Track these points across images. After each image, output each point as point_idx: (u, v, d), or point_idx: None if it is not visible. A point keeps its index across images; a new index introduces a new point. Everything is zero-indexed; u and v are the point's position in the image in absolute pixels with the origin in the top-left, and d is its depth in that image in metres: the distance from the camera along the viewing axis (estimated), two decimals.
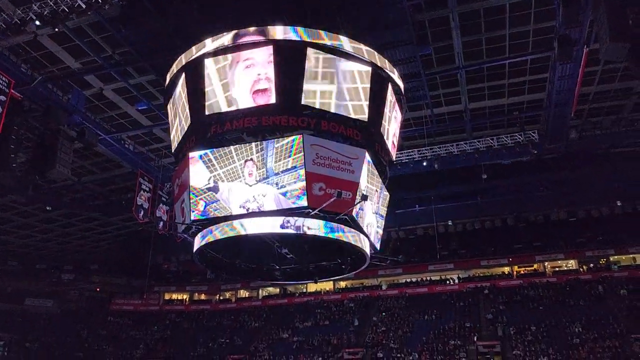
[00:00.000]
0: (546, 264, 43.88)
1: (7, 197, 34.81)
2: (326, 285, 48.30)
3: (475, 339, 35.21)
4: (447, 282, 45.12)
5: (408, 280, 46.91)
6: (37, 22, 16.94)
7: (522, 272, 44.65)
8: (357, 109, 15.99)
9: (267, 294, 51.49)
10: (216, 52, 15.81)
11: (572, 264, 43.61)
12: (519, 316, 37.27)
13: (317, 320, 43.89)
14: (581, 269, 42.20)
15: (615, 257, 41.73)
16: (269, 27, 15.74)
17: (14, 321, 46.00)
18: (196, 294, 53.77)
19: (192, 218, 15.68)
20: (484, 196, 39.31)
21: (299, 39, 15.44)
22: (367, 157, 15.81)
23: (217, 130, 15.87)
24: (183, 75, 16.83)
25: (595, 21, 16.31)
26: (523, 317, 36.90)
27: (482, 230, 46.49)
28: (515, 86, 25.88)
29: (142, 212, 26.72)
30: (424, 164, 29.33)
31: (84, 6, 16.49)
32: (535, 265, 44.52)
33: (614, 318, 33.89)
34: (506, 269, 44.90)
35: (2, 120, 18.36)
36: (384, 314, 42.35)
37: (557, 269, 43.88)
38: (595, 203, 42.19)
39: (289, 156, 14.76)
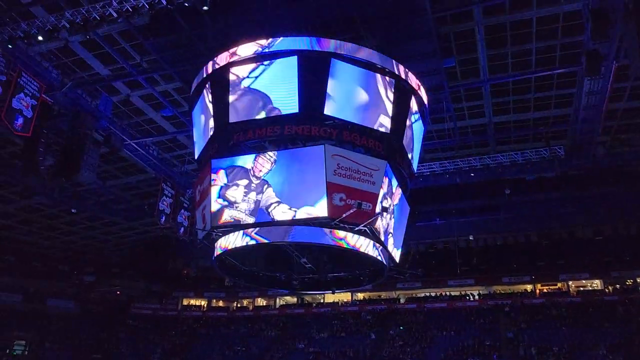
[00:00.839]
0: (570, 282, 42.93)
1: (33, 199, 35.58)
2: (344, 297, 48.04)
3: (495, 358, 34.52)
4: (467, 298, 44.42)
5: (427, 294, 46.35)
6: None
7: (545, 290, 43.74)
8: (380, 120, 15.97)
9: (284, 303, 51.44)
10: (241, 61, 15.99)
11: (597, 283, 42.56)
12: (541, 336, 36.42)
13: (333, 331, 43.61)
14: (607, 289, 41.14)
15: None
16: (293, 37, 15.88)
17: (35, 321, 46.78)
18: (214, 301, 54.01)
19: (213, 225, 15.79)
20: (507, 211, 38.64)
21: (323, 50, 15.52)
22: (388, 168, 15.74)
23: (240, 139, 16.01)
24: (208, 83, 17.06)
25: (625, 36, 16.04)
26: (545, 337, 36.05)
27: (504, 246, 45.72)
28: (541, 100, 25.50)
29: (163, 218, 27.00)
30: (446, 177, 29.04)
31: (114, 15, 16.87)
32: (559, 284, 43.58)
33: None
34: (528, 287, 44.04)
35: (32, 123, 18.86)
36: (401, 327, 41.87)
37: (581, 288, 42.86)
38: (623, 222, 41.14)
39: (310, 166, 14.78)
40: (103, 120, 23.66)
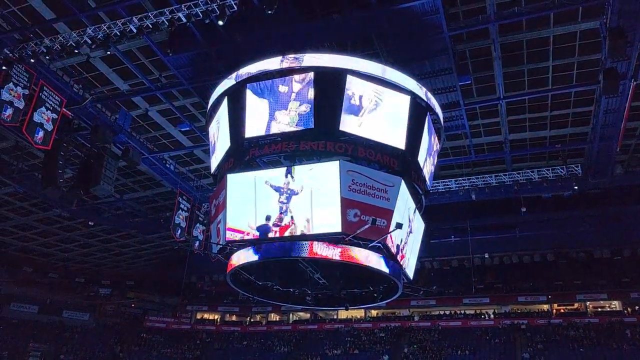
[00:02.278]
0: (588, 303, 42.11)
1: (52, 211, 36.11)
2: (357, 313, 47.65)
3: None
4: (482, 316, 43.76)
5: (441, 312, 45.78)
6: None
7: (562, 310, 42.93)
8: (395, 136, 16.01)
9: (297, 319, 51.17)
10: (258, 77, 16.22)
11: (615, 304, 41.69)
12: (557, 357, 35.69)
13: (346, 348, 43.18)
14: (626, 311, 40.23)
15: None
16: (309, 54, 16.08)
17: (51, 333, 47.16)
18: (227, 315, 53.95)
19: (227, 239, 15.87)
20: (523, 230, 38.21)
21: (339, 67, 15.67)
22: (404, 185, 15.72)
23: (256, 154, 16.16)
24: (225, 98, 17.29)
25: None
26: (562, 359, 35.31)
27: (520, 264, 45.06)
28: (558, 118, 25.31)
29: (179, 231, 27.22)
30: (461, 194, 28.87)
31: (135, 31, 17.22)
32: (576, 304, 42.76)
33: None
34: (545, 307, 43.27)
35: (52, 137, 19.27)
36: (415, 346, 41.33)
37: (599, 309, 42.01)
38: None
39: (325, 181, 14.82)
40: (122, 134, 24.07)
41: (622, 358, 33.78)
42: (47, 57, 18.96)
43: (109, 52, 18.56)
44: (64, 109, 19.98)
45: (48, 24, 19.03)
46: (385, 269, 16.04)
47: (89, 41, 17.68)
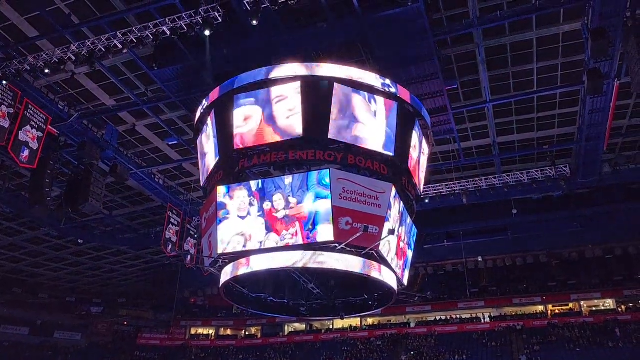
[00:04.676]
0: (582, 303, 42.28)
1: (40, 230, 35.68)
2: (353, 322, 47.43)
3: None
4: (478, 320, 43.74)
5: (437, 317, 45.70)
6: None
7: (556, 311, 43.05)
8: (384, 143, 16.00)
9: (293, 330, 50.82)
10: (245, 88, 16.16)
11: (609, 303, 41.89)
12: (554, 358, 35.71)
13: (343, 358, 42.91)
14: (619, 309, 40.43)
15: None
16: (296, 63, 16.06)
17: (43, 354, 46.38)
18: (222, 329, 53.44)
19: (219, 252, 15.71)
20: (515, 232, 38.35)
21: (326, 75, 15.68)
22: (394, 191, 15.69)
23: (245, 165, 16.06)
24: (212, 111, 17.20)
25: (625, 54, 16.13)
26: (559, 359, 35.34)
27: (514, 267, 45.20)
28: (545, 120, 25.53)
29: (170, 246, 26.96)
30: (452, 198, 28.94)
31: (119, 46, 17.14)
32: (571, 304, 42.92)
33: None
34: (540, 308, 43.36)
35: (38, 155, 19.03)
36: (412, 352, 41.17)
37: (593, 308, 42.18)
38: (632, 240, 40.60)
39: (314, 190, 14.74)
40: (109, 150, 23.89)
41: (618, 356, 33.85)
42: (32, 75, 18.80)
43: (94, 68, 18.40)
44: (49, 127, 19.75)
45: (31, 41, 18.88)
46: (380, 276, 15.96)
47: (73, 57, 17.56)
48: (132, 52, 18.69)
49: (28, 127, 18.49)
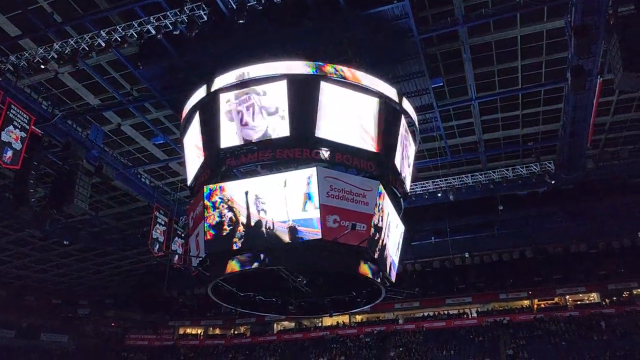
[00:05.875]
0: (567, 297, 42.78)
1: (25, 231, 35.23)
2: (342, 319, 47.55)
3: None
4: (466, 316, 44.10)
5: (425, 314, 45.99)
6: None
7: (542, 305, 43.54)
8: (371, 141, 16.03)
9: (282, 328, 50.81)
10: (230, 87, 16.08)
11: (594, 297, 42.45)
12: (541, 351, 36.14)
13: (332, 355, 43.01)
14: (604, 302, 41.01)
15: (639, 289, 40.56)
16: (282, 61, 16.02)
17: (29, 357, 45.83)
18: (211, 329, 53.25)
19: (206, 252, 15.64)
20: (501, 227, 38.72)
21: (312, 73, 15.66)
22: (381, 188, 15.74)
23: (232, 164, 15.98)
24: (198, 110, 17.10)
25: (608, 51, 16.34)
26: (545, 353, 35.79)
27: (500, 262, 45.56)
28: (530, 117, 25.81)
29: (157, 246, 26.83)
30: (439, 195, 29.15)
31: (103, 45, 17.00)
32: (556, 299, 43.40)
33: (639, 353, 32.69)
34: (526, 303, 43.82)
35: (21, 155, 18.81)
36: (401, 349, 41.38)
37: (578, 302, 42.73)
38: (616, 234, 41.17)
39: (301, 189, 14.75)
40: (94, 150, 23.67)
41: (603, 349, 34.35)
42: (14, 74, 18.56)
43: (77, 67, 18.22)
44: (33, 127, 19.53)
45: (13, 40, 18.63)
46: (370, 274, 16.01)
47: (56, 56, 17.38)
48: (117, 51, 18.54)
49: (11, 128, 18.27)
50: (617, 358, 32.90)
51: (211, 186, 15.84)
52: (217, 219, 15.55)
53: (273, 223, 14.86)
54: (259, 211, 15.08)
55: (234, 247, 15.22)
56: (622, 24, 14.33)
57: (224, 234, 15.34)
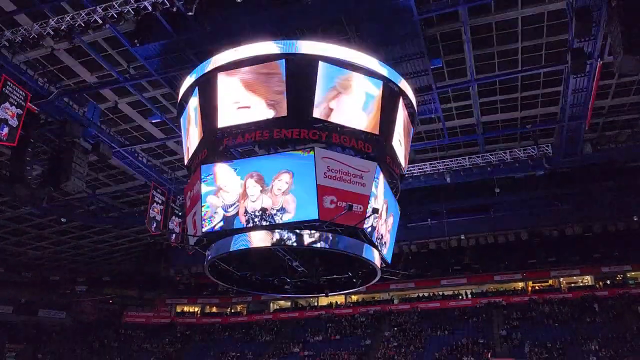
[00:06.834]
0: (561, 279, 43.26)
1: (22, 209, 35.25)
2: (338, 299, 48.02)
3: (489, 356, 34.65)
4: (460, 297, 44.57)
5: (420, 294, 46.47)
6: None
7: (536, 287, 44.01)
8: (369, 122, 15.99)
9: (278, 307, 51.33)
10: (228, 66, 15.95)
11: (587, 279, 42.94)
12: (533, 333, 36.66)
13: (328, 334, 43.56)
14: (597, 285, 41.48)
15: (632, 273, 40.98)
16: (280, 41, 15.87)
17: (27, 332, 46.32)
18: (207, 307, 53.77)
19: (203, 230, 15.70)
20: (497, 210, 38.86)
21: (310, 53, 15.53)
22: (379, 170, 15.76)
23: (229, 143, 15.94)
24: (196, 88, 16.99)
25: (608, 34, 16.23)
26: (538, 334, 36.30)
27: (496, 244, 45.71)
28: (529, 99, 25.71)
29: (154, 225, 26.88)
30: (436, 177, 29.16)
31: (100, 21, 16.80)
32: (550, 281, 43.90)
33: (631, 336, 33.17)
34: (520, 285, 44.28)
35: (18, 133, 18.72)
36: (395, 329, 41.91)
37: (572, 284, 43.21)
38: (611, 218, 41.22)
39: (299, 169, 14.75)
40: (91, 128, 23.55)
41: (596, 331, 34.85)
42: (10, 51, 18.36)
43: (73, 44, 18.02)
44: (29, 104, 19.39)
45: (8, 15, 18.39)
46: (364, 255, 16.11)
47: (52, 33, 17.16)
48: (113, 27, 18.30)
49: (7, 104, 18.13)
50: (609, 340, 33.38)
51: (208, 165, 15.84)
52: (214, 199, 15.59)
53: (270, 203, 14.90)
54: (255, 191, 15.11)
55: (231, 227, 15.29)
56: (624, 7, 14.20)
57: (221, 213, 15.39)
